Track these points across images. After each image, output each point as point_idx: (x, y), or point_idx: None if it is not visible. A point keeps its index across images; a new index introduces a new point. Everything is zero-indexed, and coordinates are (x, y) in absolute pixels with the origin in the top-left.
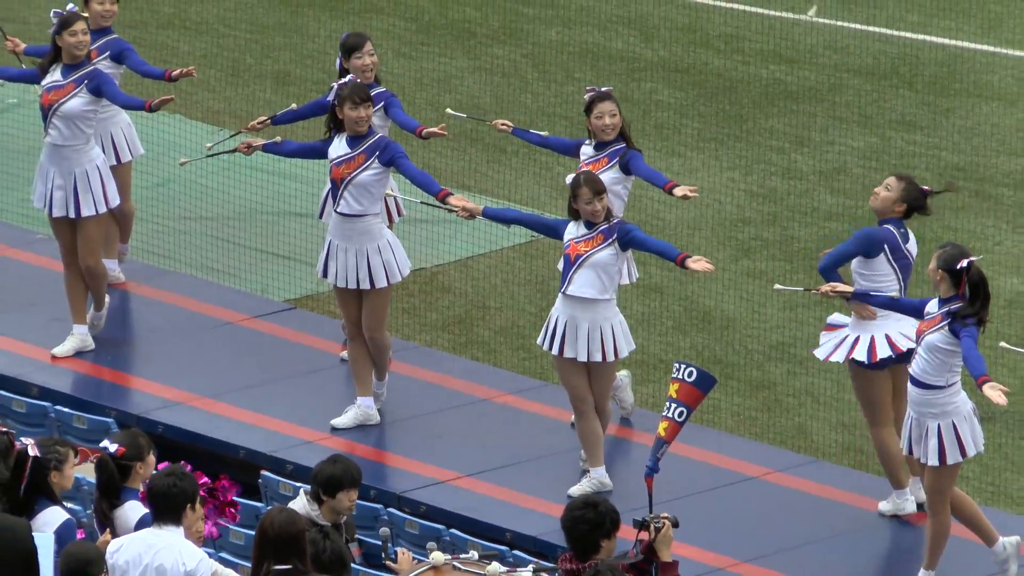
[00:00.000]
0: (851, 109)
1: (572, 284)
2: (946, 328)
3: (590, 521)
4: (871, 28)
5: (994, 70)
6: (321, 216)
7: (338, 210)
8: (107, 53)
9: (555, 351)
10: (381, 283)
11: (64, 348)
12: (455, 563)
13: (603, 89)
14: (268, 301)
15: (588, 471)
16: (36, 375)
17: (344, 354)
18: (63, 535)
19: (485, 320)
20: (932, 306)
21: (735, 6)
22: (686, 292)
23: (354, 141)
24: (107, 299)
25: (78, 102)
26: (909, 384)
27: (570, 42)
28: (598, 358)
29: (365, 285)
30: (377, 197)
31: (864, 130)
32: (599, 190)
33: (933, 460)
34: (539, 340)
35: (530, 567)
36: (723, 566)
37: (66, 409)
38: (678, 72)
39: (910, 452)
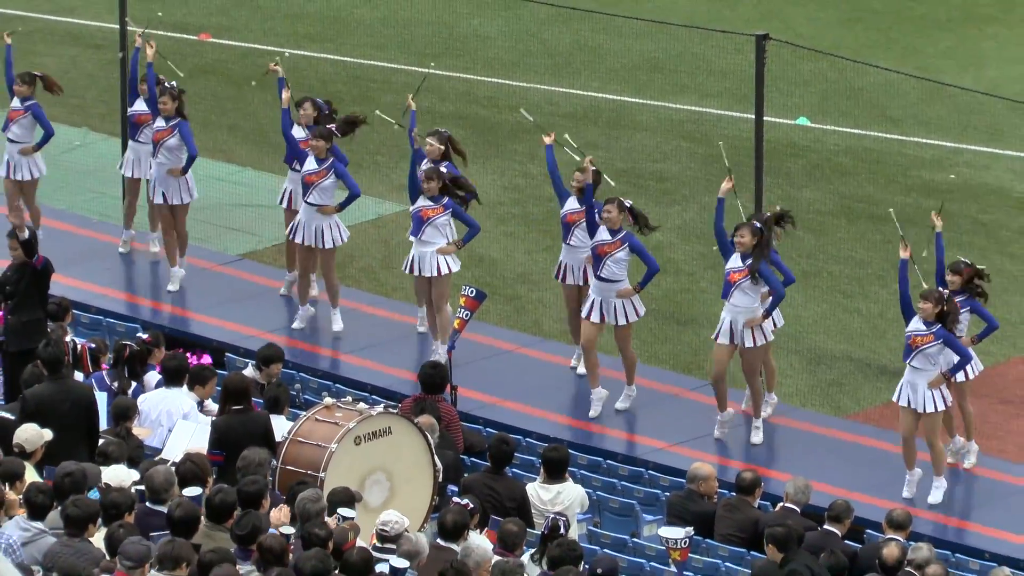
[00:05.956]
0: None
1: (423, 232)
2: (627, 248)
3: (440, 374)
4: (572, 91)
5: (642, 113)
6: (282, 202)
7: (309, 201)
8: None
9: (414, 272)
10: (329, 245)
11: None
12: (338, 404)
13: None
14: (227, 255)
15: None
16: (94, 300)
17: (282, 290)
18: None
19: (353, 263)
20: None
21: (492, 80)
22: (469, 246)
23: (320, 161)
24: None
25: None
26: (594, 281)
27: (399, 102)
28: (434, 274)
29: (320, 245)
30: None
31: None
32: (427, 176)
33: (622, 321)
34: (403, 267)
35: (382, 404)
36: (494, 402)
37: (112, 320)
38: (461, 119)
39: (588, 316)
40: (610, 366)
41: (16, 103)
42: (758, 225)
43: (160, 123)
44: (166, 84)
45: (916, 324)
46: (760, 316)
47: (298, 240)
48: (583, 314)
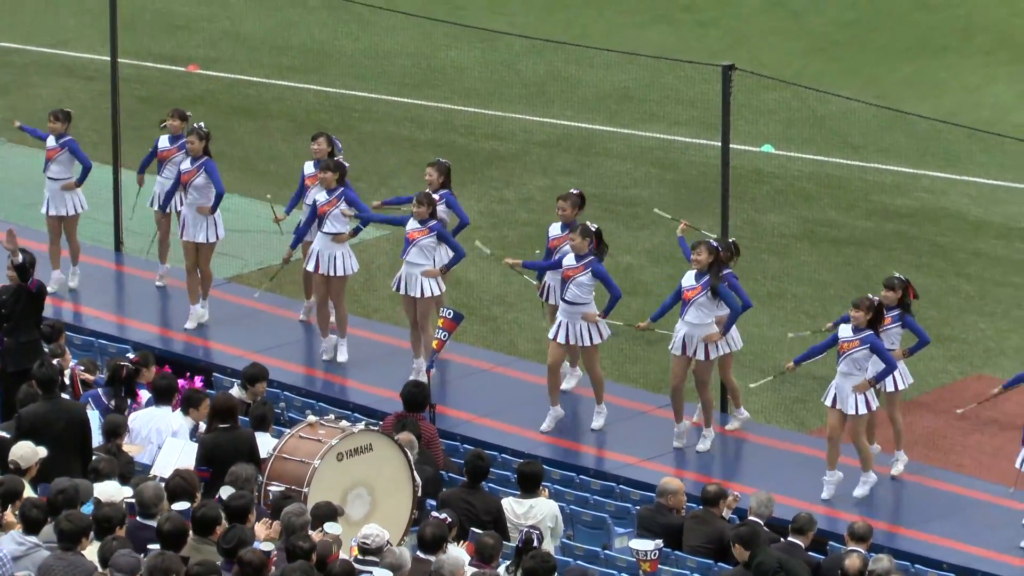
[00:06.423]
0: (535, 164)
1: (409, 253)
2: (590, 272)
3: (422, 393)
4: (545, 119)
5: (613, 141)
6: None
7: (324, 230)
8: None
9: (401, 291)
10: (341, 273)
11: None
12: (321, 421)
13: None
14: (215, 278)
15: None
16: (88, 323)
17: (301, 315)
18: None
19: None
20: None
21: (469, 109)
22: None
23: (330, 192)
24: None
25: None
26: (561, 303)
27: (379, 131)
28: (418, 295)
29: (332, 273)
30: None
31: (543, 176)
32: (418, 201)
33: (587, 343)
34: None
35: (364, 422)
36: (471, 419)
37: (104, 341)
38: (440, 146)
39: (555, 338)
40: (584, 384)
41: (52, 141)
42: (714, 243)
43: (186, 164)
44: (194, 124)
45: (845, 332)
46: (717, 333)
47: (310, 268)
48: (551, 335)
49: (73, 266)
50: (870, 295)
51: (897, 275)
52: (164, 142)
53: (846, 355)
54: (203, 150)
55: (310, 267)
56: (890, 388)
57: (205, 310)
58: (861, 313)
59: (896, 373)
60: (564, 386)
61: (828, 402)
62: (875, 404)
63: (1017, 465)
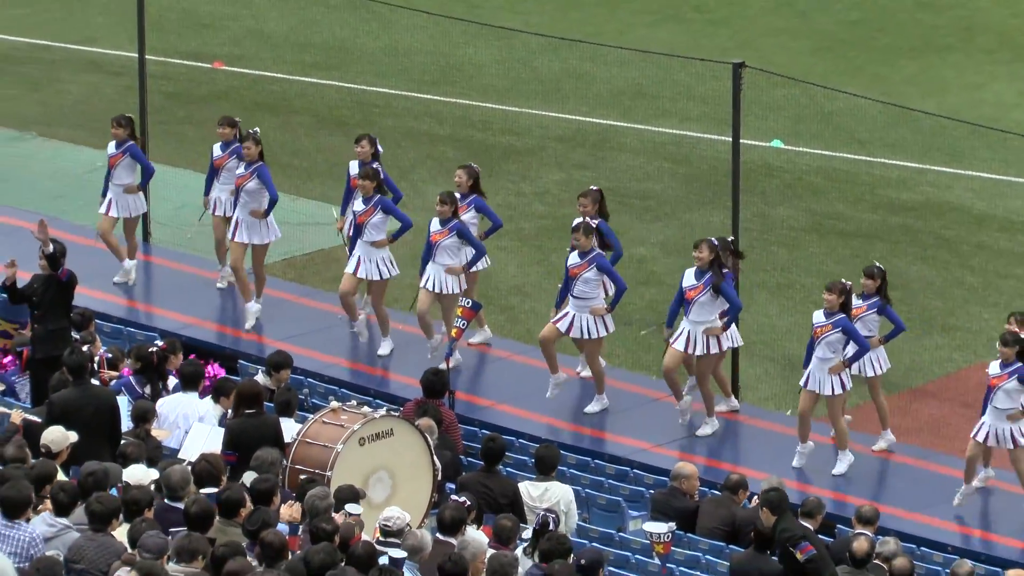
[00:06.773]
0: (551, 159)
1: (435, 255)
2: (595, 268)
3: (441, 380)
4: (561, 115)
5: (627, 136)
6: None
7: (364, 239)
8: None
9: (428, 287)
10: (385, 276)
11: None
12: (344, 407)
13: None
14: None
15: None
16: (116, 311)
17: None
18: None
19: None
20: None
21: (486, 104)
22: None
23: (367, 200)
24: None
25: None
26: (571, 298)
27: (399, 126)
28: (441, 291)
29: (374, 277)
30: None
31: (559, 170)
32: (440, 200)
33: (590, 335)
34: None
35: (385, 407)
36: (489, 406)
37: (132, 329)
38: (459, 141)
39: (556, 322)
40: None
41: (112, 148)
42: (715, 241)
43: (240, 169)
44: (249, 130)
45: (818, 316)
46: (720, 327)
47: (349, 270)
48: (553, 319)
49: (132, 261)
50: (843, 279)
51: (877, 264)
52: (217, 151)
53: (821, 339)
54: (258, 155)
55: (348, 270)
56: (869, 373)
57: (259, 306)
58: (834, 296)
59: (873, 358)
60: (584, 372)
61: (802, 383)
62: (849, 384)
63: (972, 433)
